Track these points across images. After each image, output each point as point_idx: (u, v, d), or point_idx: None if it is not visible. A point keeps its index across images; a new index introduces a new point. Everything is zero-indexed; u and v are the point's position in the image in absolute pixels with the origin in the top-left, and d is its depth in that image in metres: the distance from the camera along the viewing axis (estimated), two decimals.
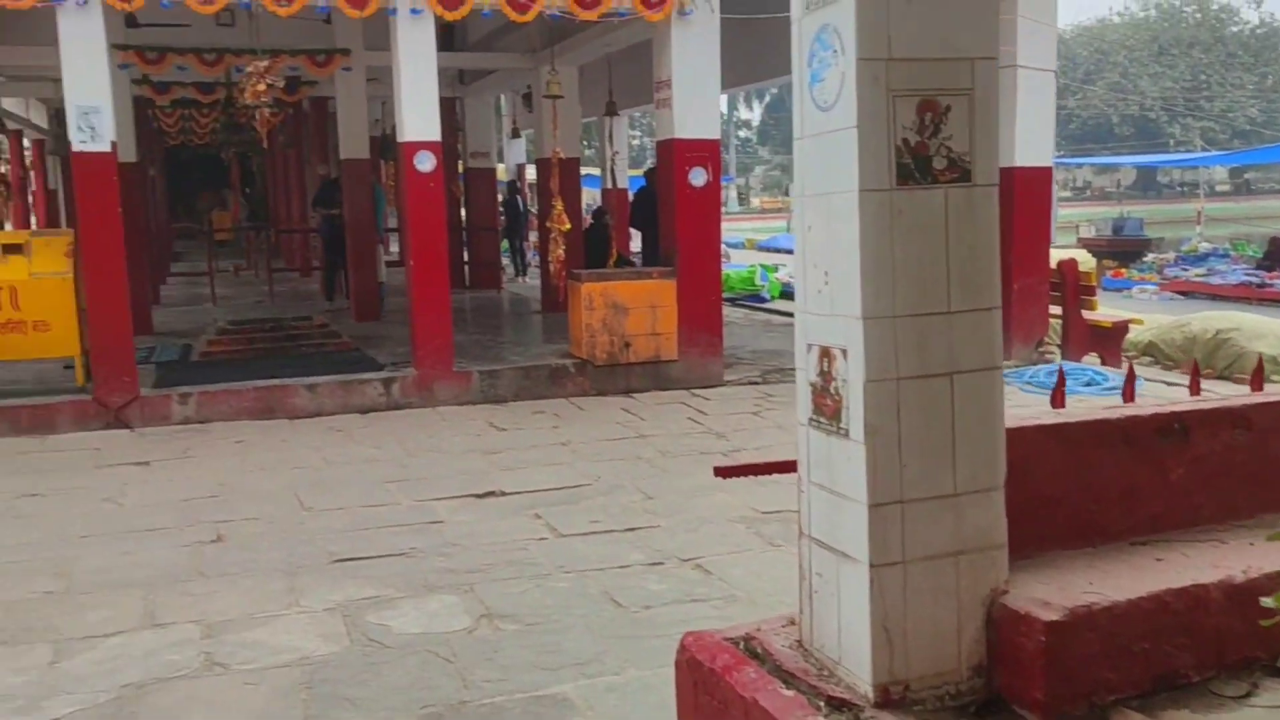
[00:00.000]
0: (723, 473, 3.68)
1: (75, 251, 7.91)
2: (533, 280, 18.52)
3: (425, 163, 8.47)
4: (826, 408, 2.33)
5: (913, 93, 2.20)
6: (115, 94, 7.91)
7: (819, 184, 2.34)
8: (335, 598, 4.60)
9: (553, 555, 5.12)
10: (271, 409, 8.20)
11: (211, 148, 26.76)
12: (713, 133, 9.23)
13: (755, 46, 12.15)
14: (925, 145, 2.21)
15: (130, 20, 10.46)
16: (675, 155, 9.06)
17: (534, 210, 22.39)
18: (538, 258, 21.41)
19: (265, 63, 8.31)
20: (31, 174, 21.16)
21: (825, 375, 2.32)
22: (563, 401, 8.74)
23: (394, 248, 16.90)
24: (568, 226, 9.47)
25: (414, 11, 8.21)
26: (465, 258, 16.42)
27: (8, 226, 13.31)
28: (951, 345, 2.24)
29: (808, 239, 2.38)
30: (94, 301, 7.76)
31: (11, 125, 17.49)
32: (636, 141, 48.53)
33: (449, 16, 8.31)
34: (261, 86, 8.24)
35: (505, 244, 18.90)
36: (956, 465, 2.28)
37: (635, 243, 18.96)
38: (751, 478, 5.40)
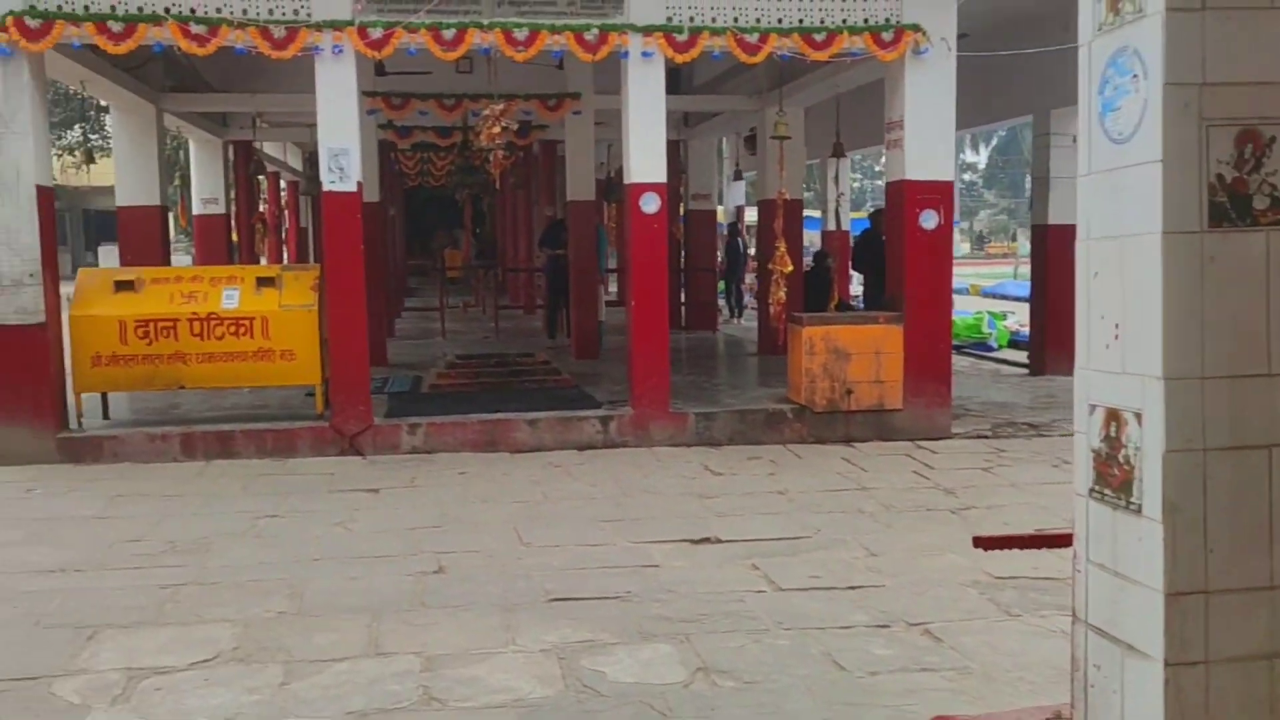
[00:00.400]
0: (984, 544, 3.39)
1: (321, 285, 8.34)
2: (748, 322, 18.40)
3: (650, 204, 8.50)
4: (1112, 478, 2.05)
5: (1230, 122, 1.92)
6: (363, 137, 8.34)
7: (1109, 225, 2.07)
8: (551, 638, 4.54)
9: (771, 609, 4.91)
10: (494, 442, 8.36)
11: (446, 189, 28.16)
12: (946, 174, 8.86)
13: (984, 87, 11.66)
14: (1244, 182, 1.92)
15: (379, 69, 11.11)
16: (906, 197, 8.74)
17: (752, 252, 22.35)
18: (753, 300, 21.35)
19: (500, 106, 8.58)
20: (286, 213, 22.78)
21: (1112, 441, 2.04)
22: (779, 448, 8.52)
23: (611, 287, 17.17)
24: (790, 268, 9.30)
25: (645, 54, 8.28)
26: (682, 298, 16.48)
27: (263, 261, 14.31)
28: (1273, 413, 1.93)
29: (1092, 286, 2.11)
30: (335, 333, 8.16)
31: (270, 168, 18.92)
32: (856, 184, 47.86)
33: (679, 59, 8.34)
34: (496, 129, 8.50)
35: (721, 285, 18.89)
36: (1274, 552, 1.95)
37: (854, 286, 18.58)
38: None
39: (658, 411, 8.59)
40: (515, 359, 10.57)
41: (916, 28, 8.52)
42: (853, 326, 8.87)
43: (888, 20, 8.57)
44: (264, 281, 8.39)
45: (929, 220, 8.77)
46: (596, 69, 12.23)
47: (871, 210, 14.53)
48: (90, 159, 13.32)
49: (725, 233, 18.62)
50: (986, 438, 8.84)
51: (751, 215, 25.56)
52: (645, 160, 8.46)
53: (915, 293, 8.82)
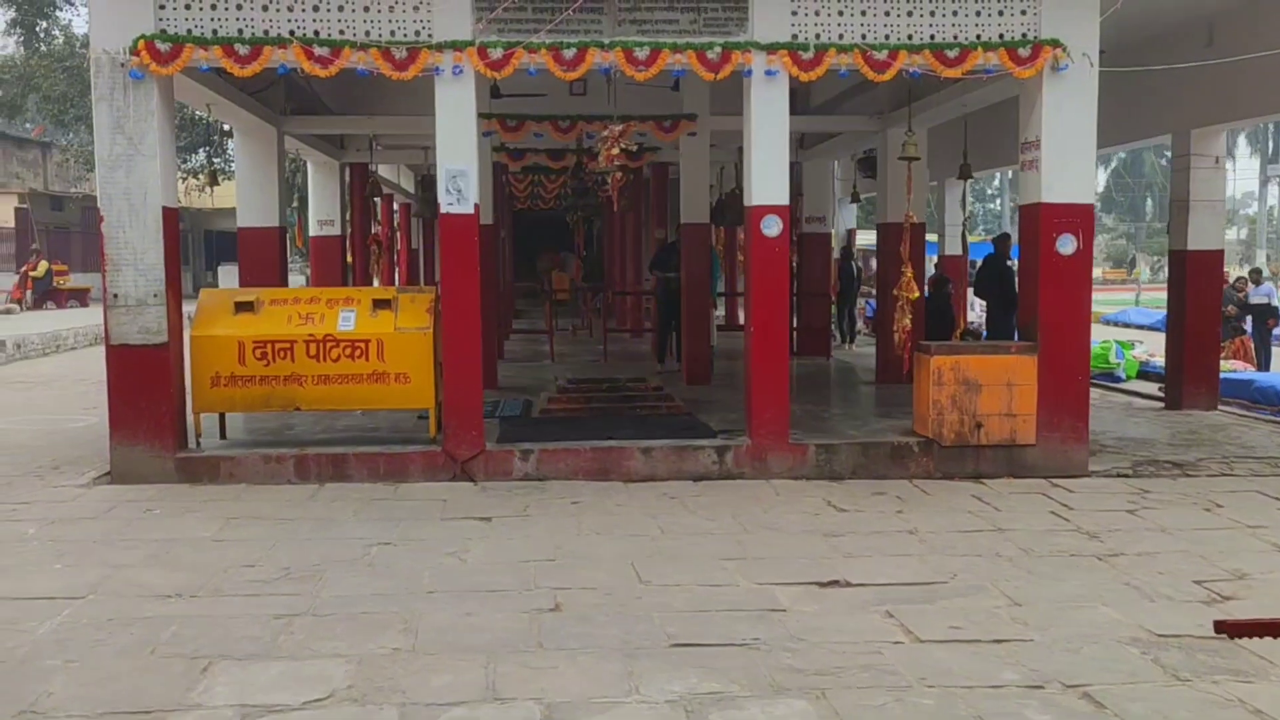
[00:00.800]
0: (1230, 629, 3.00)
1: (436, 309, 8.25)
2: (860, 348, 17.94)
3: (772, 227, 8.22)
4: None
5: None
6: (479, 160, 8.24)
7: None
8: (676, 688, 4.27)
9: (912, 664, 4.55)
10: (606, 470, 8.14)
11: (554, 211, 28.32)
12: (1085, 197, 8.39)
13: (1119, 105, 11.11)
14: None
15: (494, 91, 11.08)
16: (1042, 220, 8.30)
17: (866, 276, 21.85)
18: (865, 325, 20.83)
19: (619, 128, 8.41)
20: (398, 235, 23.11)
21: None
22: (905, 483, 8.12)
23: (718, 311, 16.90)
24: (916, 294, 8.90)
25: (769, 73, 8.02)
26: (794, 323, 16.12)
27: (377, 282, 14.43)
28: None
29: None
30: (450, 357, 8.05)
31: (384, 190, 19.18)
32: (971, 206, 46.66)
33: (804, 77, 8.06)
34: (615, 150, 8.33)
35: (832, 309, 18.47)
36: None
37: (972, 312, 17.97)
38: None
39: (776, 443, 8.27)
40: (627, 384, 10.37)
41: (1056, 43, 8.10)
42: (984, 356, 8.43)
43: (1024, 35, 8.17)
44: (380, 304, 8.34)
45: (1066, 245, 8.31)
46: (713, 89, 12.04)
47: (997, 235, 13.99)
48: (214, 181, 13.56)
49: (838, 256, 18.20)
50: (1127, 476, 8.30)
51: (862, 239, 25.12)
52: (767, 182, 8.19)
53: (1051, 321, 8.35)
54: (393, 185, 20.25)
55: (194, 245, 43.42)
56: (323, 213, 15.17)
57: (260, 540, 6.40)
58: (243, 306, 8.29)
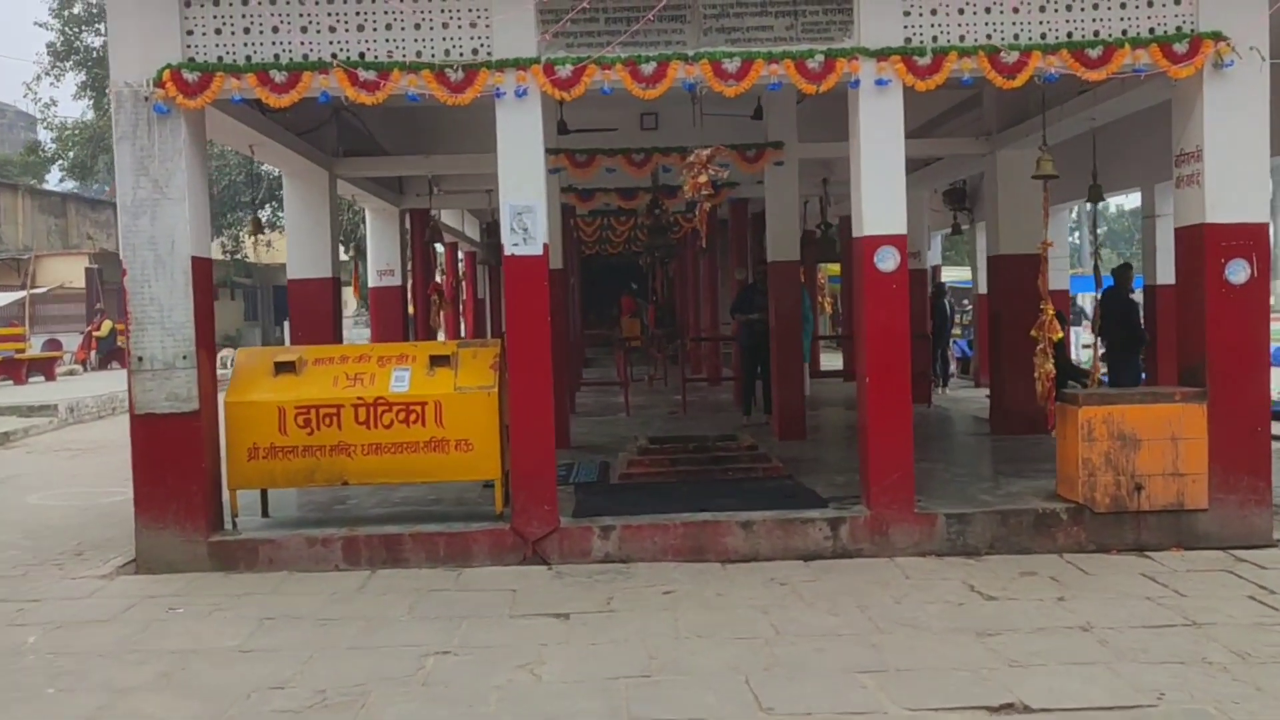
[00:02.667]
0: None
1: (501, 364, 7.23)
2: (954, 391, 16.59)
3: (888, 260, 7.09)
4: None
5: None
6: (547, 195, 7.23)
7: None
8: None
9: None
10: (701, 549, 6.98)
11: (622, 255, 27.40)
12: (1258, 215, 7.10)
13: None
14: None
15: (560, 128, 10.16)
16: (1207, 244, 7.03)
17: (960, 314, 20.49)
18: (955, 367, 19.44)
19: (708, 150, 7.34)
20: (464, 284, 22.29)
21: None
22: (1054, 559, 6.84)
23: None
24: (1060, 335, 7.64)
25: (880, 82, 6.91)
26: None
27: (441, 335, 13.47)
28: None
29: None
30: (517, 419, 6.99)
31: (448, 238, 18.35)
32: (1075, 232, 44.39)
33: (920, 86, 6.93)
34: (703, 178, 7.25)
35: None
36: None
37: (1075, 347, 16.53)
38: None
39: (900, 512, 7.06)
40: (716, 444, 9.20)
41: (1218, 36, 6.88)
42: (1142, 406, 7.14)
43: (1179, 29, 6.96)
44: (438, 360, 7.31)
45: (1238, 272, 7.03)
46: (800, 116, 10.96)
47: (1118, 266, 12.63)
48: (259, 229, 12.13)
49: (930, 293, 16.89)
50: None
51: (948, 274, 23.72)
52: (881, 208, 7.06)
53: (1221, 363, 7.06)
54: (455, 232, 19.43)
55: (263, 301, 43.35)
56: (382, 262, 14.32)
57: (295, 649, 5.34)
58: (284, 367, 7.31)
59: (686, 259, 22.16)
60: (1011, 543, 7.05)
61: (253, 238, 11.08)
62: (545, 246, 7.02)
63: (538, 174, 6.99)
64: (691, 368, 19.32)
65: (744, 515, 7.16)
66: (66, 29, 29.62)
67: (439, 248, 17.06)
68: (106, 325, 26.63)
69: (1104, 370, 12.78)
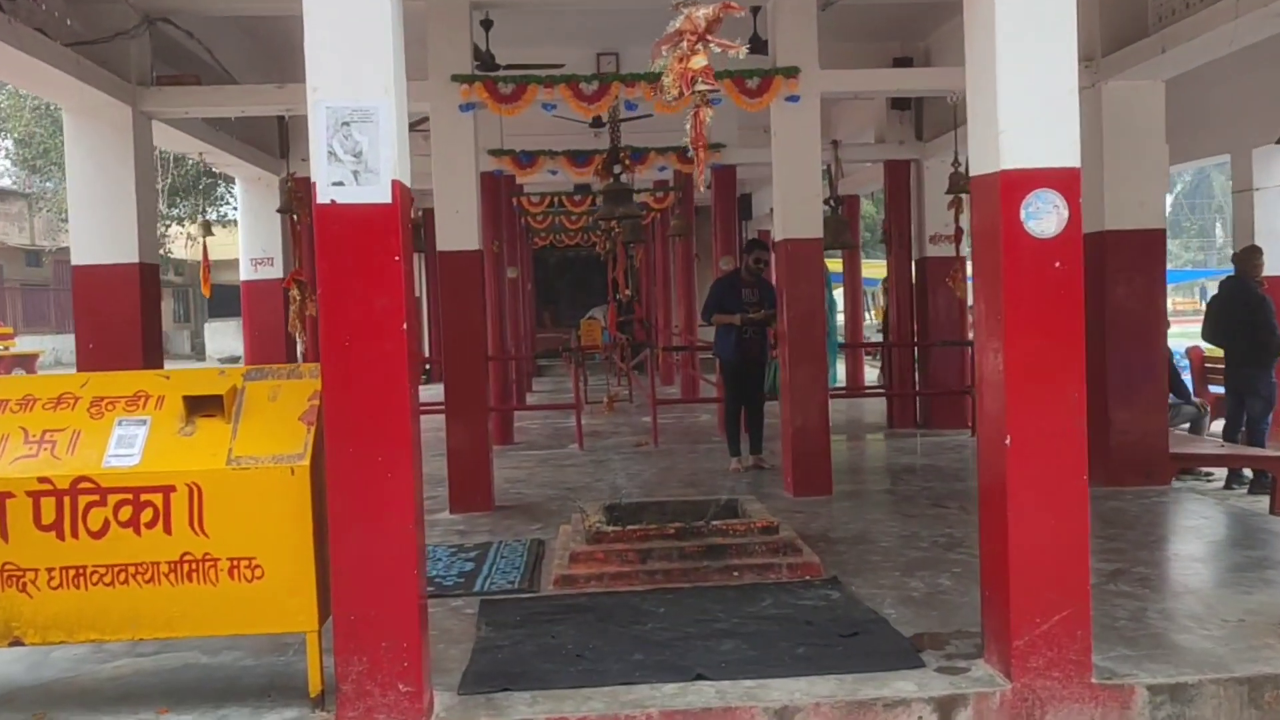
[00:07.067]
0: None
1: (320, 410, 3.84)
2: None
3: (1046, 219, 3.79)
4: None
5: None
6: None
7: None
8: None
9: None
10: None
11: (579, 248, 24.13)
12: None
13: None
14: None
15: (487, 61, 6.85)
16: None
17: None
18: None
19: (707, 10, 3.95)
20: None
21: None
22: None
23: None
24: None
25: None
26: (916, 381, 11.64)
27: (300, 353, 9.96)
28: None
29: None
30: (340, 520, 3.62)
31: None
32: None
33: None
34: (699, 61, 3.88)
35: None
36: None
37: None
38: None
39: (1068, 683, 3.77)
40: (712, 522, 5.73)
41: None
42: None
43: None
44: (199, 405, 3.89)
45: None
46: (822, 41, 7.69)
47: (1235, 253, 9.49)
48: (208, 231, 10.61)
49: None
50: None
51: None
52: (1034, 116, 3.77)
53: None
54: None
55: (196, 301, 39.24)
56: (257, 248, 10.88)
57: None
58: None
59: (656, 246, 18.85)
60: None
61: (201, 238, 8.84)
62: (398, 187, 3.67)
63: (385, 42, 3.63)
64: (663, 379, 16.04)
65: (778, 695, 3.83)
66: None
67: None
68: None
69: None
